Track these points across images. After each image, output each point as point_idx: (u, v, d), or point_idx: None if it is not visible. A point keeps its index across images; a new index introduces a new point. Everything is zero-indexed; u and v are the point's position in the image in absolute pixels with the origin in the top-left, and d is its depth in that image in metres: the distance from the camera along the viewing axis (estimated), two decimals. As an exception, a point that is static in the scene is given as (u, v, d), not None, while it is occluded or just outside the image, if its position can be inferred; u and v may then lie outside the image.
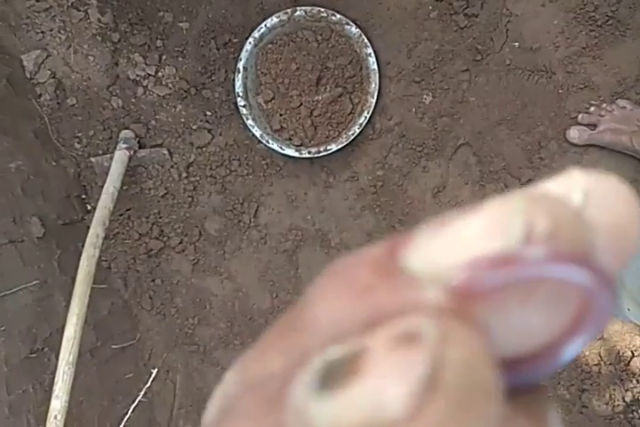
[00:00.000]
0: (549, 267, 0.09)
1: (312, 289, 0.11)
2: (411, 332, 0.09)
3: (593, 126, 1.22)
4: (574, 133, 1.23)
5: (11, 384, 0.97)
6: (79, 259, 0.95)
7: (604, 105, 1.22)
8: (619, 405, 1.22)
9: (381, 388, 0.08)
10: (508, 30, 1.26)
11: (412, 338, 0.09)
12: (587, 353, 1.24)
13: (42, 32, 1.27)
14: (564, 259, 0.09)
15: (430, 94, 1.29)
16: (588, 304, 0.10)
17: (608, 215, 0.10)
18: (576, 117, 1.24)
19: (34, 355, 1.02)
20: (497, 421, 0.09)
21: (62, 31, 1.28)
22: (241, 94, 1.27)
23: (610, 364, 1.23)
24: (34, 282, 1.06)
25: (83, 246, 0.99)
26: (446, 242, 0.10)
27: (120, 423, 1.07)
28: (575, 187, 0.11)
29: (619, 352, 1.23)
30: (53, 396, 0.86)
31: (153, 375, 1.11)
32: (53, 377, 0.85)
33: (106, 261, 1.32)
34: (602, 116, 1.21)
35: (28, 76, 1.27)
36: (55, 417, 0.85)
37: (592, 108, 1.23)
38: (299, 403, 0.09)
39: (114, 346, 1.21)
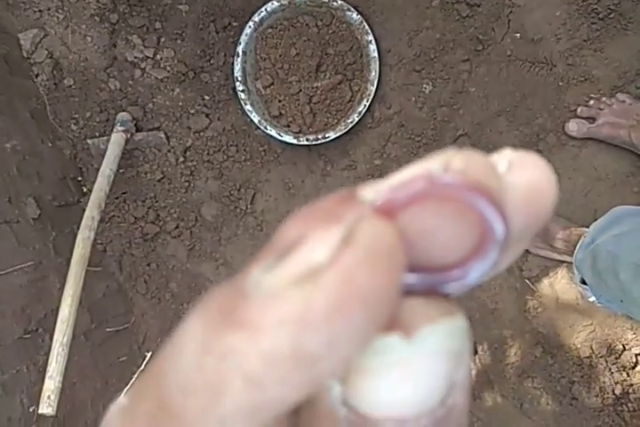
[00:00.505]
0: (454, 189, 0.11)
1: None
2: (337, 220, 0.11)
3: (592, 120, 1.23)
4: (573, 126, 1.23)
5: (4, 364, 0.96)
6: (74, 241, 0.95)
7: (604, 98, 1.22)
8: (608, 397, 1.23)
9: (313, 249, 0.11)
10: (509, 21, 1.26)
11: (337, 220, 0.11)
12: (578, 345, 1.25)
13: (39, 11, 1.25)
14: (469, 186, 0.11)
15: (430, 84, 1.29)
16: (485, 234, 0.12)
17: (525, 179, 0.12)
18: (575, 110, 1.24)
19: (28, 335, 1.02)
20: (396, 287, 0.11)
21: (60, 10, 1.26)
22: (239, 79, 1.26)
23: (601, 356, 1.24)
24: (29, 263, 1.05)
25: (78, 229, 0.98)
26: (391, 178, 0.12)
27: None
28: (502, 157, 0.13)
29: (610, 345, 1.24)
30: (47, 376, 0.86)
31: (147, 358, 1.11)
32: (47, 358, 0.85)
33: (101, 244, 1.31)
34: (601, 109, 1.21)
35: (25, 55, 1.25)
36: (49, 397, 0.85)
37: (591, 102, 1.23)
38: (253, 281, 0.11)
39: (108, 329, 1.20)
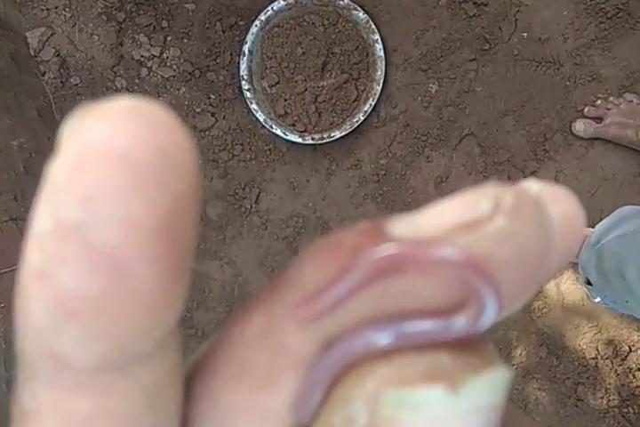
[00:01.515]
0: (461, 272, 0.10)
1: (295, 260, 0.11)
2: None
3: (599, 119, 1.22)
4: (580, 126, 1.22)
5: (9, 361, 0.97)
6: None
7: (611, 98, 1.21)
8: (614, 399, 1.22)
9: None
10: (517, 20, 1.25)
11: None
12: (584, 347, 1.24)
13: (47, 9, 1.26)
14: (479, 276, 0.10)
15: (436, 83, 1.28)
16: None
17: (559, 214, 0.11)
18: (582, 110, 1.23)
19: (32, 333, 1.02)
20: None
21: (67, 9, 1.27)
22: (245, 78, 1.26)
23: (607, 358, 1.23)
24: (33, 260, 1.06)
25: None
26: (430, 212, 0.11)
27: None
28: (530, 188, 0.11)
29: (616, 347, 1.23)
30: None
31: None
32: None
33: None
34: (608, 109, 1.20)
35: (33, 53, 1.26)
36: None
37: (599, 101, 1.22)
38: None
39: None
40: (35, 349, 0.09)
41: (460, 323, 0.10)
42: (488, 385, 0.10)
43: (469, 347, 0.10)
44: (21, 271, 0.09)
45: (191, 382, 0.11)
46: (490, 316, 0.10)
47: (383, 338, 0.10)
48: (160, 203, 0.09)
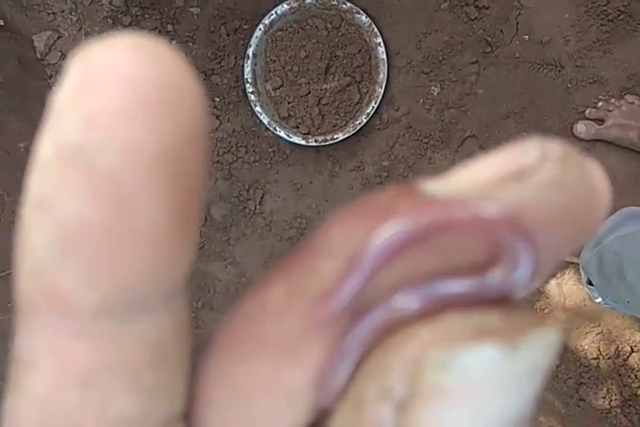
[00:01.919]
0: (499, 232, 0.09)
1: (323, 224, 0.10)
2: None
3: (600, 121, 1.23)
4: (581, 128, 1.23)
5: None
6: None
7: (613, 100, 1.22)
8: (616, 399, 1.22)
9: None
10: (518, 23, 1.26)
11: None
12: (586, 347, 1.24)
13: (53, 13, 1.27)
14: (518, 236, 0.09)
15: (438, 86, 1.29)
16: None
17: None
18: (584, 112, 1.24)
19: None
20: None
21: (73, 13, 1.28)
22: (250, 81, 1.27)
23: (608, 358, 1.24)
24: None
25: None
26: (467, 169, 0.10)
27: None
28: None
29: (618, 347, 1.23)
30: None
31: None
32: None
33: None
34: (610, 111, 1.21)
35: (39, 56, 1.27)
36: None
37: (600, 103, 1.23)
38: None
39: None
40: (33, 287, 0.09)
41: (496, 278, 0.09)
42: (544, 343, 0.09)
43: (512, 307, 0.09)
44: (23, 205, 0.09)
45: (200, 359, 0.10)
46: (526, 269, 0.09)
47: (417, 301, 0.09)
48: (166, 131, 0.08)
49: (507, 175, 0.09)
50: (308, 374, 0.10)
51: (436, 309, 0.09)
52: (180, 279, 0.09)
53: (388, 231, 0.09)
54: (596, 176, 0.10)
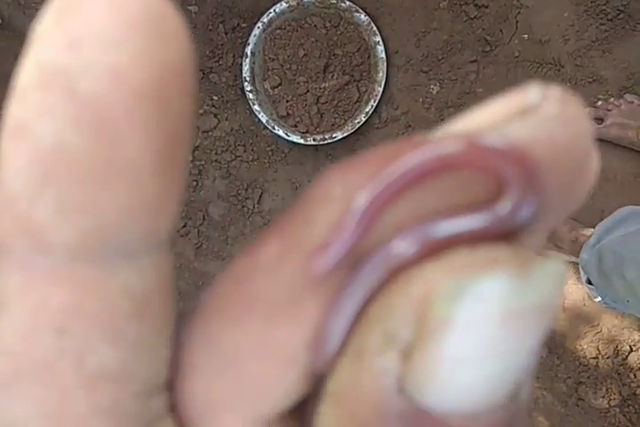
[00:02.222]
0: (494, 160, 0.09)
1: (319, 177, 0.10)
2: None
3: (599, 120, 1.22)
4: (581, 127, 1.22)
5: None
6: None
7: (612, 99, 1.22)
8: (615, 398, 1.22)
9: None
10: (517, 22, 1.26)
11: None
12: (585, 346, 1.24)
13: (51, 11, 1.27)
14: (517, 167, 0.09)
15: (438, 85, 1.29)
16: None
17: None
18: (583, 111, 1.24)
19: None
20: None
21: (71, 11, 1.28)
22: (248, 79, 1.26)
23: (607, 357, 1.23)
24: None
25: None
26: (470, 115, 0.10)
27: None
28: None
29: (617, 346, 1.23)
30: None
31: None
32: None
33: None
34: (609, 110, 1.21)
35: (36, 55, 1.27)
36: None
37: (599, 103, 1.23)
38: None
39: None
40: (7, 222, 0.08)
41: (504, 209, 0.09)
42: (554, 274, 0.08)
43: (518, 245, 0.09)
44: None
45: (185, 326, 0.10)
46: (533, 203, 0.09)
47: (416, 244, 0.09)
48: (153, 59, 0.08)
49: (511, 113, 0.09)
50: (303, 334, 0.09)
51: (437, 251, 0.08)
52: (164, 230, 0.09)
53: (388, 173, 0.08)
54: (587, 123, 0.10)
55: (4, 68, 1.18)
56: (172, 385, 0.10)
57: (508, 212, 0.09)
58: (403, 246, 0.08)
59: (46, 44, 0.08)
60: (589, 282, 1.05)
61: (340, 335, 0.09)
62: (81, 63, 0.07)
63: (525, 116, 0.09)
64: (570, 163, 0.09)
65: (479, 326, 0.08)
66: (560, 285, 0.08)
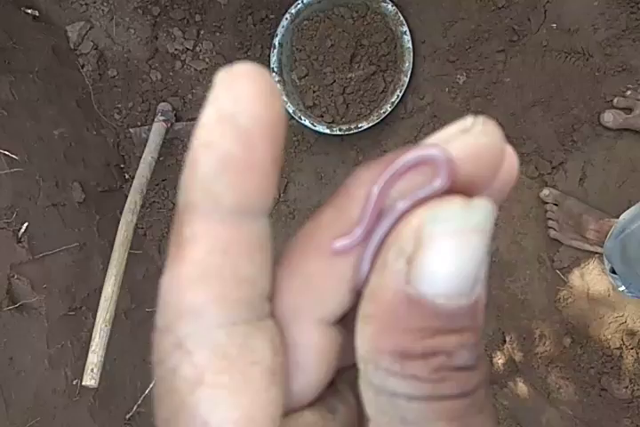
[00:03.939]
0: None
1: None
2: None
3: (629, 110, 1.21)
4: (609, 117, 1.21)
5: (51, 339, 1.02)
6: (117, 225, 1.00)
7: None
8: (638, 389, 1.22)
9: None
10: (546, 11, 1.25)
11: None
12: (609, 336, 1.24)
13: (85, 4, 1.31)
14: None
15: (464, 74, 1.29)
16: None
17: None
18: (611, 101, 1.23)
19: (72, 313, 1.07)
20: None
21: (105, 3, 1.31)
22: (275, 70, 1.29)
23: (631, 348, 1.23)
24: (74, 244, 1.11)
25: (120, 213, 1.03)
26: (436, 134, 0.16)
27: (150, 381, 1.12)
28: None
29: (641, 337, 1.23)
30: (90, 350, 0.91)
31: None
32: (90, 334, 0.90)
33: (142, 228, 1.37)
34: (638, 100, 1.19)
35: (72, 46, 1.31)
36: (92, 370, 0.90)
37: (629, 92, 1.21)
38: None
39: (147, 309, 1.26)
40: (198, 193, 0.14)
41: (438, 183, 0.15)
42: (485, 207, 0.14)
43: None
44: (191, 146, 0.15)
45: (279, 261, 0.16)
46: (446, 181, 0.15)
47: (410, 202, 0.15)
48: (270, 115, 0.14)
49: (455, 132, 0.16)
50: (350, 262, 0.16)
51: (420, 205, 0.15)
52: (271, 202, 0.15)
53: (388, 171, 0.16)
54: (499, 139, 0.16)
55: (40, 60, 1.22)
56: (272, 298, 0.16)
57: (439, 184, 0.15)
58: (403, 205, 0.15)
59: (221, 99, 0.14)
60: (613, 271, 1.05)
61: (370, 260, 0.15)
62: (240, 111, 0.14)
63: (464, 132, 0.16)
64: (491, 155, 0.16)
65: (446, 237, 0.14)
66: (490, 215, 0.14)
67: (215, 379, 0.14)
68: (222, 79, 0.14)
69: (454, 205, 0.14)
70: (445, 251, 0.13)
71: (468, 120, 0.16)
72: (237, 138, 0.14)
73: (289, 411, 0.16)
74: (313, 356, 0.16)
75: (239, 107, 0.14)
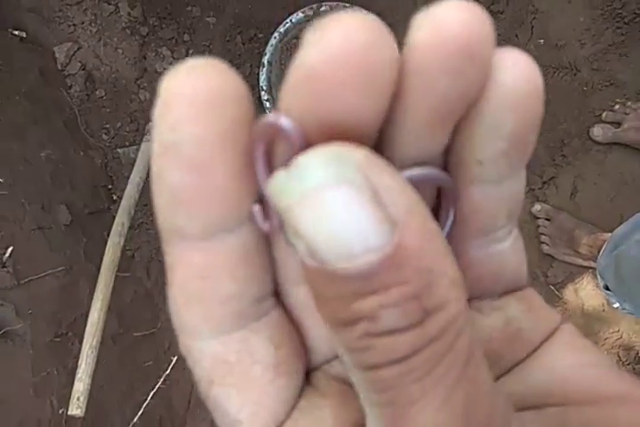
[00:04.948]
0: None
1: None
2: None
3: (617, 124, 1.21)
4: (598, 131, 1.22)
5: (36, 367, 1.00)
6: (104, 247, 0.98)
7: (630, 103, 1.21)
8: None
9: None
10: (533, 27, 1.26)
11: None
12: (604, 352, 1.22)
13: (73, 25, 1.30)
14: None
15: (453, 91, 1.29)
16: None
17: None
18: (600, 115, 1.23)
19: (58, 339, 1.05)
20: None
21: (93, 24, 1.31)
22: (265, 88, 1.28)
23: (628, 364, 1.22)
24: (60, 268, 1.09)
25: (108, 235, 1.01)
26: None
27: (139, 409, 1.10)
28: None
29: (637, 352, 1.21)
30: (77, 378, 0.88)
31: (172, 363, 1.13)
32: (77, 361, 0.88)
33: (130, 250, 1.35)
34: (627, 114, 1.20)
35: (60, 67, 1.30)
36: (78, 399, 0.88)
37: (617, 106, 1.22)
38: None
39: (135, 333, 1.23)
40: (164, 224, 0.15)
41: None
42: (310, 162, 0.13)
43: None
44: (152, 180, 0.14)
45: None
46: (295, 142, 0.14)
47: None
48: (220, 127, 0.13)
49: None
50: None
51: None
52: (244, 215, 0.15)
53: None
54: None
55: (28, 81, 1.21)
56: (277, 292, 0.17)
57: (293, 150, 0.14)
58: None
59: (160, 128, 0.14)
60: (607, 288, 1.04)
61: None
62: (182, 138, 0.13)
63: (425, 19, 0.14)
64: (468, 44, 0.14)
65: (293, 208, 0.13)
66: (327, 162, 0.13)
67: (222, 380, 0.16)
68: (160, 99, 0.13)
69: (279, 176, 0.13)
70: (302, 220, 0.12)
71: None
72: (184, 167, 0.13)
73: (318, 365, 0.17)
74: None
75: (178, 135, 0.13)
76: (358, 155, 0.13)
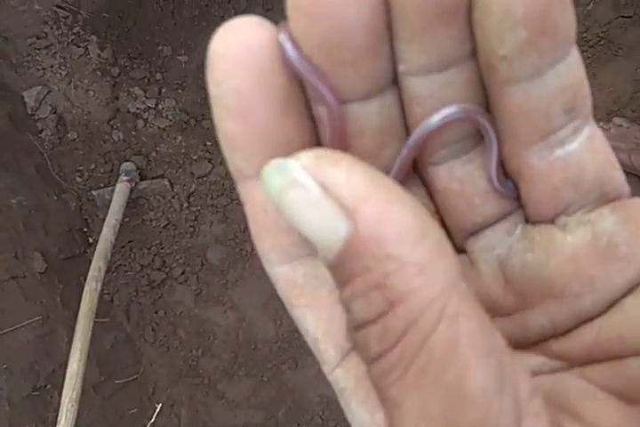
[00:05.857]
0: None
1: None
2: None
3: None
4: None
5: (13, 423, 0.95)
6: (81, 293, 0.95)
7: (601, 124, 1.22)
8: None
9: None
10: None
11: None
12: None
13: (43, 69, 1.29)
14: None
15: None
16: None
17: None
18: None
19: (36, 393, 1.01)
20: None
21: (63, 67, 1.30)
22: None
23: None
24: (36, 318, 1.05)
25: (85, 280, 0.98)
26: None
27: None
28: None
29: None
30: (56, 434, 0.84)
31: (157, 410, 1.10)
32: (56, 415, 0.84)
33: (108, 294, 1.31)
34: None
35: (30, 111, 1.29)
36: (58, 456, 0.83)
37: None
38: None
39: (117, 381, 1.19)
40: (230, 167, 0.17)
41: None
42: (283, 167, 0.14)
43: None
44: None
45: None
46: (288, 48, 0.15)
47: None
48: (267, 77, 0.15)
49: None
50: None
51: None
52: (304, 142, 0.17)
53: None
54: None
55: (-3, 126, 1.20)
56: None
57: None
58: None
59: (210, 83, 0.16)
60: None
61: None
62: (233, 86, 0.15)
63: None
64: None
65: (280, 205, 0.14)
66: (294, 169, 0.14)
67: (296, 301, 0.18)
68: (208, 59, 0.15)
69: (269, 166, 0.14)
70: (288, 215, 0.14)
71: None
72: (230, 116, 0.15)
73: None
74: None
75: (220, 89, 0.15)
76: (305, 157, 0.14)
